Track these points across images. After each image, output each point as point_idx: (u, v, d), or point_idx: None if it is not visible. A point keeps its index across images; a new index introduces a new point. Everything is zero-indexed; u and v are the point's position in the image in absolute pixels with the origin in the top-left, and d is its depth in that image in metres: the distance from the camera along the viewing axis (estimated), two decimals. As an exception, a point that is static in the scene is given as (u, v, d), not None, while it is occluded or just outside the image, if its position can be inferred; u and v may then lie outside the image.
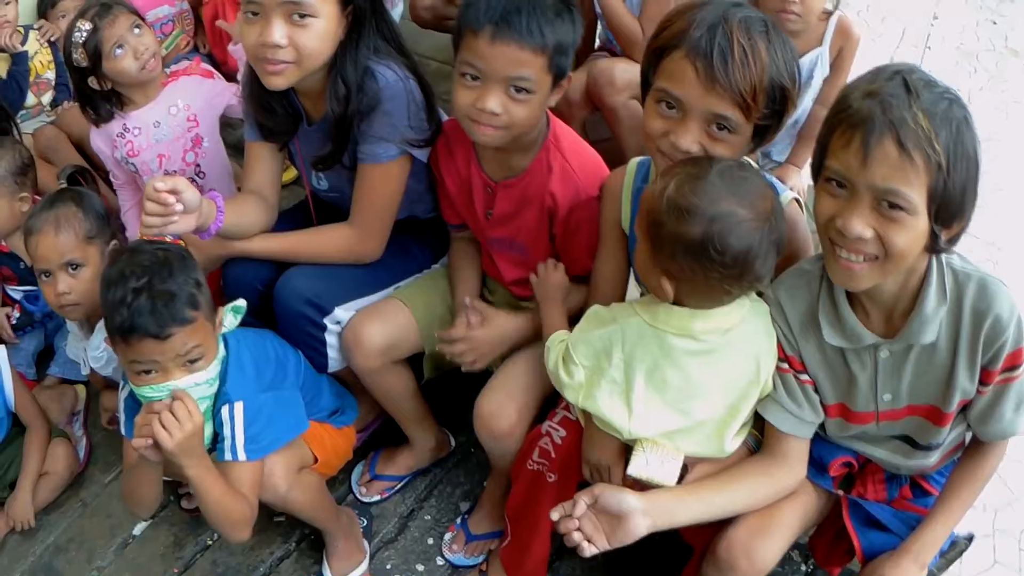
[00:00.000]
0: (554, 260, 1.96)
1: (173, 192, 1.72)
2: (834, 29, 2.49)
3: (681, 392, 1.65)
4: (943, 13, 4.77)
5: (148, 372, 1.76)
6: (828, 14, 2.49)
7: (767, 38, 1.59)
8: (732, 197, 1.53)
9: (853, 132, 1.41)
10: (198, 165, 2.65)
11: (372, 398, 2.26)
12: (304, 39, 1.85)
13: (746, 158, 1.75)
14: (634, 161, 1.89)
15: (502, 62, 1.75)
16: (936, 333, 1.55)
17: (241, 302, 1.92)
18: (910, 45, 4.32)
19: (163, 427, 1.72)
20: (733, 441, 1.70)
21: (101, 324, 2.24)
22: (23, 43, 3.36)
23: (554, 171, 1.94)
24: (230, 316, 1.90)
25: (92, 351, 2.30)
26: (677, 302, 1.62)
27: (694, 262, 1.54)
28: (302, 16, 1.84)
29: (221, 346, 1.88)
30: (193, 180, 2.63)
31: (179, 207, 1.73)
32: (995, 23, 4.73)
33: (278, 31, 1.83)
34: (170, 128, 2.61)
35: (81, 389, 2.70)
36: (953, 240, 1.49)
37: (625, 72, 2.51)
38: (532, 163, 1.95)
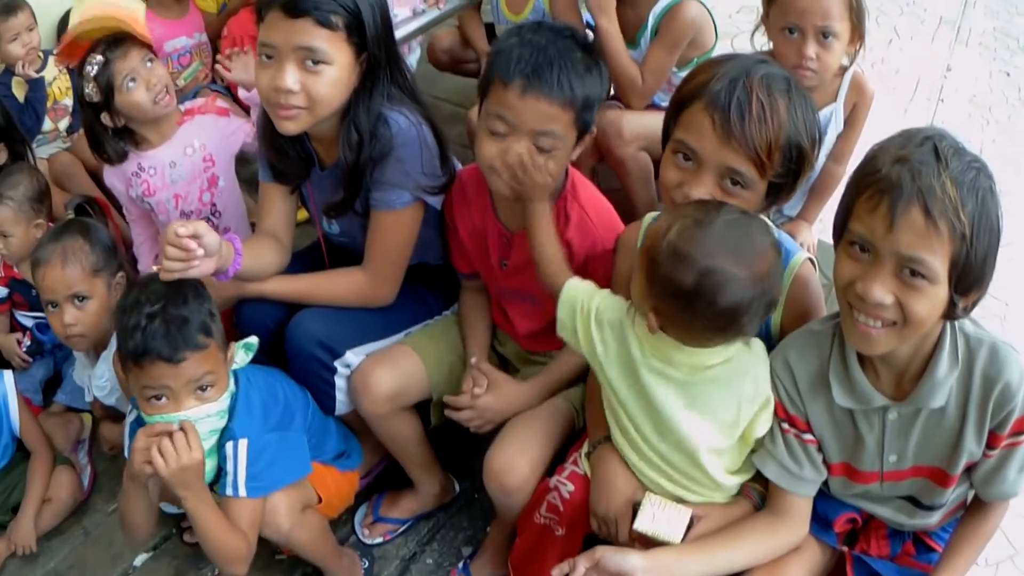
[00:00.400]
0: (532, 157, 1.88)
1: (194, 237, 1.75)
2: (848, 85, 2.50)
3: (658, 412, 1.69)
4: (957, 65, 4.83)
5: (159, 398, 1.79)
6: (843, 70, 2.50)
7: (788, 96, 1.61)
8: (730, 253, 1.53)
9: (881, 197, 1.42)
10: (214, 204, 2.68)
11: (377, 442, 2.28)
12: (317, 86, 1.88)
13: (766, 220, 1.75)
14: (649, 216, 1.91)
15: (531, 115, 1.79)
16: (946, 398, 1.57)
17: (253, 339, 1.96)
18: (923, 97, 4.36)
19: (160, 454, 1.75)
20: (722, 475, 1.72)
21: (106, 354, 2.30)
22: (42, 68, 3.39)
23: (572, 220, 1.97)
24: (241, 353, 1.94)
25: (96, 380, 2.34)
26: (665, 332, 1.64)
27: (680, 308, 1.56)
28: (316, 63, 1.87)
29: (231, 381, 1.91)
30: (209, 219, 2.67)
31: (200, 252, 1.76)
32: (1008, 75, 4.78)
33: (291, 76, 1.86)
34: (187, 168, 2.63)
35: (87, 417, 2.72)
36: (970, 307, 1.51)
37: (634, 123, 2.55)
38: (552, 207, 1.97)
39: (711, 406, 1.67)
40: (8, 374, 2.41)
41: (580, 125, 1.86)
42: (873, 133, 1.58)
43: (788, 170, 1.64)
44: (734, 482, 1.75)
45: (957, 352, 1.55)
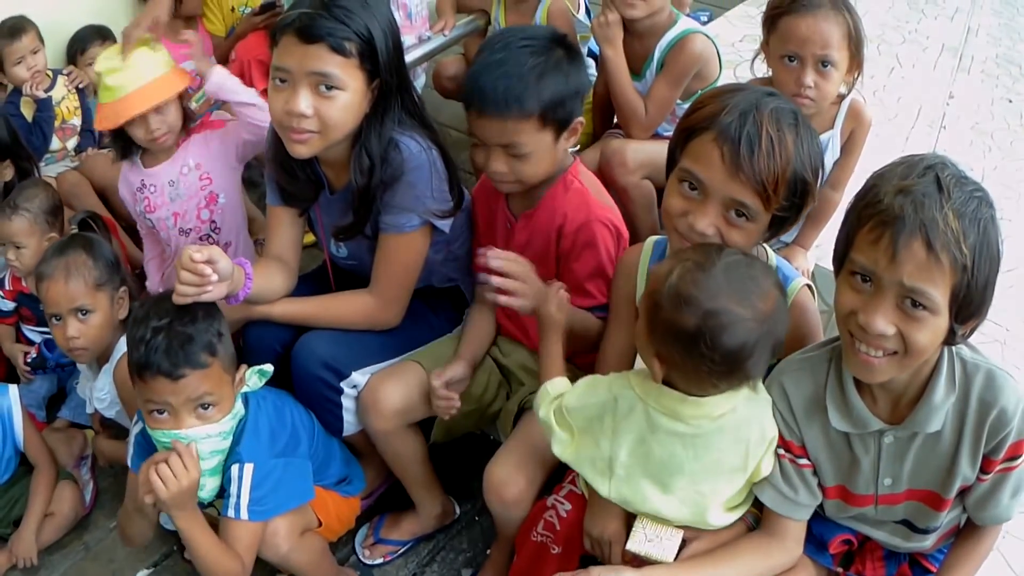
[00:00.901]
0: (559, 282, 1.96)
1: (209, 262, 1.79)
2: (846, 112, 2.54)
3: (664, 467, 1.67)
4: (959, 92, 4.88)
5: (161, 412, 1.83)
6: (841, 98, 2.54)
7: (796, 131, 1.63)
8: (732, 295, 1.54)
9: (883, 229, 1.43)
10: (213, 222, 2.71)
11: (379, 464, 2.32)
12: (329, 110, 1.92)
13: (764, 247, 1.81)
14: (650, 240, 1.95)
15: (492, 133, 1.95)
16: (942, 422, 1.59)
17: (268, 367, 1.99)
18: (925, 125, 4.40)
19: (159, 478, 1.79)
20: (720, 516, 1.72)
21: (107, 367, 2.33)
22: (51, 87, 3.44)
23: (569, 192, 2.06)
24: (255, 378, 1.97)
25: (97, 392, 2.38)
26: (668, 382, 1.64)
27: (684, 352, 1.56)
28: (329, 88, 1.91)
29: (240, 405, 1.94)
30: (209, 236, 2.71)
31: (214, 277, 1.80)
32: (1011, 101, 4.85)
33: (304, 101, 1.90)
34: (184, 187, 2.66)
35: (90, 434, 2.74)
36: (969, 334, 1.54)
37: (637, 152, 2.60)
38: (549, 190, 2.08)
39: (719, 455, 1.67)
40: (14, 388, 2.44)
41: (552, 124, 1.96)
42: (874, 161, 1.59)
43: (792, 203, 1.66)
44: (734, 518, 1.76)
45: (954, 377, 1.58)
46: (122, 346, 2.26)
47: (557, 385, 1.84)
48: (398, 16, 2.93)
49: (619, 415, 1.69)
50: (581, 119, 2.04)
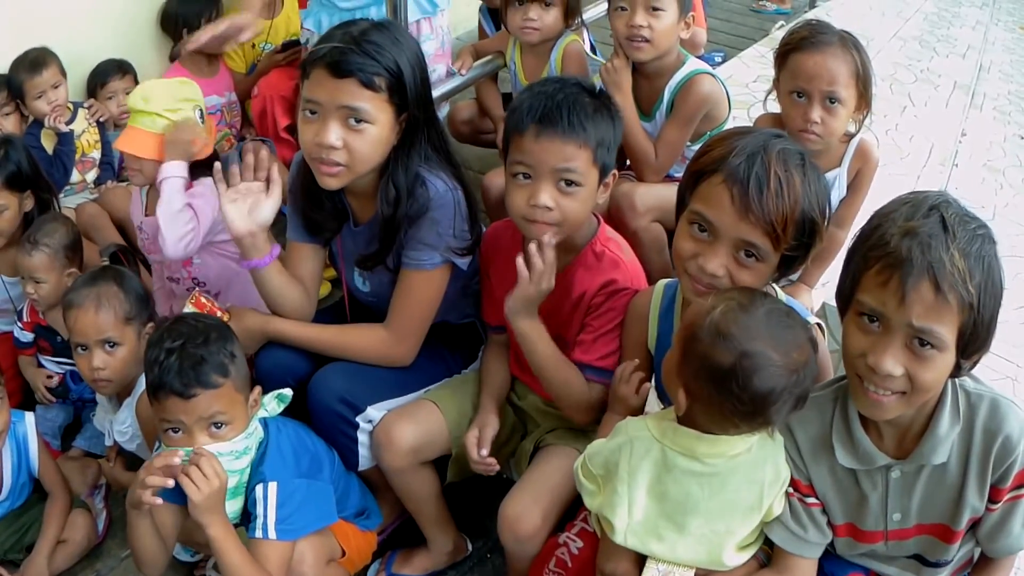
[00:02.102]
0: (632, 369, 1.96)
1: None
2: (854, 151, 2.57)
3: (679, 506, 1.68)
4: (972, 129, 4.89)
5: (176, 432, 1.88)
6: (850, 136, 2.57)
7: (803, 172, 1.66)
8: (770, 340, 1.56)
9: (891, 272, 1.46)
10: (195, 278, 2.77)
11: (393, 499, 2.33)
12: (358, 143, 1.97)
13: (773, 286, 1.83)
14: (660, 283, 1.98)
15: (549, 155, 1.91)
16: (948, 454, 1.61)
17: (288, 392, 2.04)
18: (937, 163, 4.41)
19: (192, 482, 1.82)
20: (733, 557, 1.73)
21: (129, 401, 2.36)
22: (72, 120, 3.49)
23: (603, 260, 2.07)
24: (274, 403, 2.03)
25: (118, 425, 2.40)
26: (688, 418, 1.66)
27: (713, 388, 1.57)
28: (358, 121, 1.96)
29: (260, 428, 1.99)
30: (191, 289, 2.70)
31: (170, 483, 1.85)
32: (1022, 138, 4.88)
33: (334, 133, 1.95)
34: None
35: (104, 463, 2.76)
36: (972, 367, 1.57)
37: (647, 196, 2.63)
38: (577, 257, 2.07)
39: (734, 495, 1.68)
40: (30, 415, 2.46)
41: (599, 164, 1.96)
42: (886, 201, 1.62)
43: (800, 243, 1.69)
44: (747, 557, 1.76)
45: (958, 409, 1.60)
46: (143, 382, 2.30)
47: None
48: (434, 44, 3.00)
49: (635, 457, 1.70)
50: (616, 172, 2.07)
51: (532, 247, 1.92)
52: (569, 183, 1.93)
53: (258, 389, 2.00)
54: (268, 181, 2.11)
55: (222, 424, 1.89)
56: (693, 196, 1.73)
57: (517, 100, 2.05)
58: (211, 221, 2.61)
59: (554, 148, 1.92)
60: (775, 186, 1.62)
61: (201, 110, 2.74)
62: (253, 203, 2.10)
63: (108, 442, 2.52)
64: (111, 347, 2.29)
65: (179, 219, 2.56)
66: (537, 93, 1.99)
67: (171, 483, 1.83)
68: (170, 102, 2.66)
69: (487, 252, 2.22)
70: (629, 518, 1.71)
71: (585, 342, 2.07)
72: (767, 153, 1.65)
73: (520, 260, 1.93)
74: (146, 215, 2.76)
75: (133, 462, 2.52)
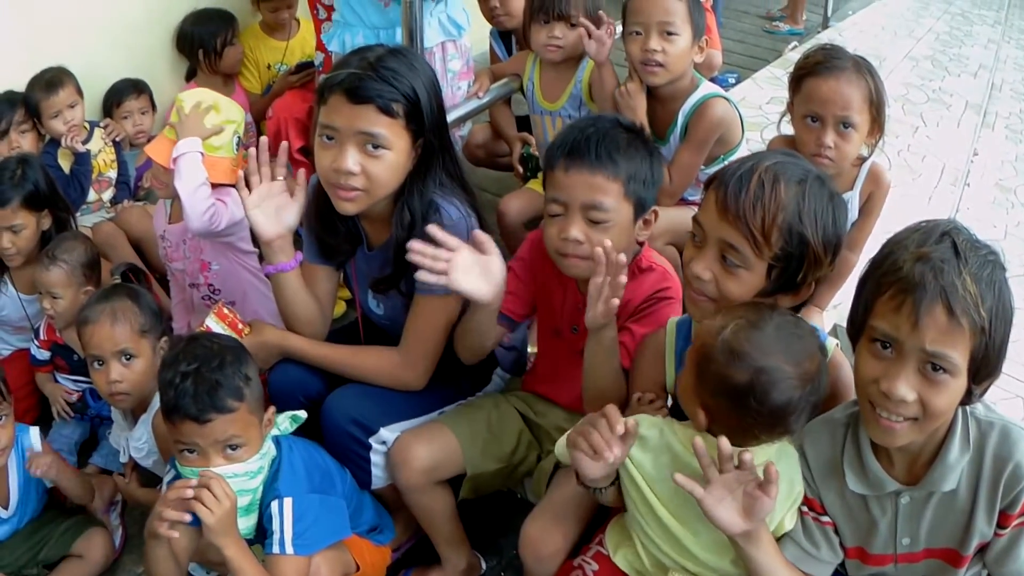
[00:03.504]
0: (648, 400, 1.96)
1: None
2: (866, 175, 2.61)
3: (695, 509, 1.69)
4: (983, 148, 4.95)
5: (191, 452, 1.91)
6: (862, 160, 2.61)
7: (800, 186, 1.68)
8: (783, 353, 1.60)
9: (904, 296, 1.48)
10: (211, 284, 2.81)
11: (408, 518, 2.36)
12: (376, 169, 2.00)
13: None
14: (672, 321, 2.00)
15: (578, 189, 1.94)
16: (957, 481, 1.63)
17: (302, 413, 2.08)
18: (949, 183, 4.44)
19: (204, 506, 1.85)
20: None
21: (145, 417, 2.38)
22: (88, 140, 3.52)
23: (652, 271, 2.10)
24: (288, 422, 2.06)
25: (134, 442, 2.42)
26: (708, 431, 1.69)
27: (732, 405, 1.61)
28: (376, 147, 1.99)
29: (272, 446, 2.02)
30: (209, 297, 2.82)
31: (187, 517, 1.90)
32: (1035, 156, 4.86)
33: (351, 159, 1.98)
34: (189, 249, 2.80)
35: (120, 479, 2.76)
36: (983, 392, 1.59)
37: (661, 219, 2.61)
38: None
39: None
40: (34, 429, 2.45)
41: (633, 199, 1.98)
42: (898, 222, 1.65)
43: (788, 255, 1.69)
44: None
45: (968, 436, 1.62)
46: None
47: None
48: (459, 63, 3.05)
49: (655, 451, 1.75)
50: (656, 209, 2.09)
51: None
52: (599, 218, 1.94)
53: (272, 409, 2.03)
54: (293, 184, 2.16)
55: (237, 446, 1.93)
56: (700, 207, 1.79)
57: (554, 139, 2.09)
58: (238, 217, 2.65)
59: (582, 180, 1.95)
60: (755, 189, 1.66)
61: (239, 136, 2.77)
62: (279, 206, 2.14)
63: (123, 458, 2.54)
64: (127, 360, 2.31)
65: (200, 193, 2.60)
66: (571, 128, 2.05)
67: (188, 518, 1.88)
68: (213, 118, 2.69)
69: (531, 251, 2.24)
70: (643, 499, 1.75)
71: (625, 344, 2.07)
72: (760, 163, 1.69)
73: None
74: (170, 223, 2.81)
75: (149, 479, 2.54)
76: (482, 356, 2.23)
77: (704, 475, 1.62)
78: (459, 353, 2.20)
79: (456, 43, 3.05)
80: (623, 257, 1.80)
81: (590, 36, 2.86)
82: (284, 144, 2.18)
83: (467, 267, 1.89)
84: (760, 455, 1.67)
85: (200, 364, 1.89)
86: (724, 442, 1.60)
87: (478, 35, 3.85)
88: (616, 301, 1.84)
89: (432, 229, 1.88)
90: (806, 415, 1.66)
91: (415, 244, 1.86)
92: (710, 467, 1.61)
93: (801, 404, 1.62)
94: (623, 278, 1.82)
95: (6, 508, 2.40)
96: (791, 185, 1.68)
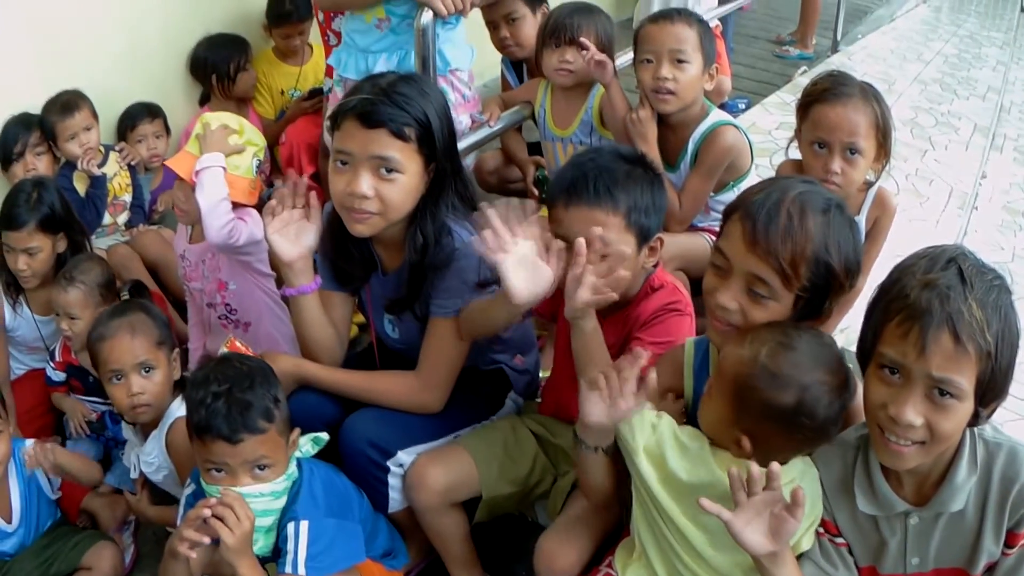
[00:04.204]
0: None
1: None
2: (872, 200, 2.64)
3: (718, 529, 1.71)
4: (991, 171, 4.97)
5: (219, 472, 1.95)
6: (868, 185, 2.64)
7: (824, 216, 1.70)
8: (821, 366, 1.65)
9: (912, 323, 1.51)
10: (228, 304, 2.85)
11: (421, 543, 2.38)
12: (389, 192, 2.04)
13: None
14: (689, 341, 2.03)
15: (578, 225, 1.96)
16: (965, 501, 1.67)
17: (324, 435, 2.12)
18: (957, 206, 4.46)
19: (226, 526, 1.88)
20: None
21: (156, 432, 2.41)
22: (103, 163, 3.56)
23: (663, 288, 2.14)
24: (309, 444, 2.10)
25: (145, 456, 2.44)
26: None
27: (782, 428, 1.66)
28: (389, 171, 2.03)
29: (294, 467, 2.06)
30: (226, 317, 2.86)
31: (206, 540, 1.92)
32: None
33: (365, 182, 2.02)
34: (208, 269, 2.83)
35: (131, 498, 2.77)
36: (990, 415, 1.63)
37: (671, 244, 2.64)
38: (634, 297, 2.15)
39: None
40: (30, 442, 2.46)
41: (636, 229, 2.02)
42: (906, 246, 1.70)
43: (815, 286, 1.71)
44: None
45: (976, 457, 1.66)
46: (174, 411, 2.37)
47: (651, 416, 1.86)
48: (453, 96, 3.10)
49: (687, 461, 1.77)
50: (661, 236, 2.13)
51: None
52: (602, 256, 1.92)
53: (297, 431, 2.07)
54: (308, 208, 2.21)
55: (265, 467, 1.96)
56: (720, 235, 1.81)
57: (555, 174, 2.14)
58: (257, 236, 2.69)
59: (581, 216, 1.99)
60: (784, 222, 1.67)
61: (259, 160, 2.81)
62: (298, 229, 2.20)
63: (134, 474, 2.56)
64: (148, 372, 2.34)
65: (221, 207, 2.64)
66: (571, 164, 2.11)
67: (207, 540, 1.91)
68: (236, 138, 2.73)
69: None
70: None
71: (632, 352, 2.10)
72: (786, 193, 1.71)
73: None
74: (190, 242, 2.86)
75: (160, 498, 2.57)
76: (478, 338, 2.24)
77: (733, 498, 1.65)
78: (460, 326, 2.21)
79: (446, 77, 3.09)
80: (604, 243, 1.86)
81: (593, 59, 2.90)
82: (303, 179, 2.24)
83: (522, 260, 1.88)
84: (786, 475, 1.68)
85: (232, 384, 1.93)
86: (754, 467, 1.63)
87: (489, 61, 3.90)
88: (613, 295, 1.88)
89: (507, 215, 1.89)
90: (841, 422, 1.71)
91: (491, 211, 1.88)
92: (740, 491, 1.64)
93: (840, 412, 1.68)
94: (624, 273, 1.88)
95: (9, 522, 2.43)
96: (816, 215, 1.70)
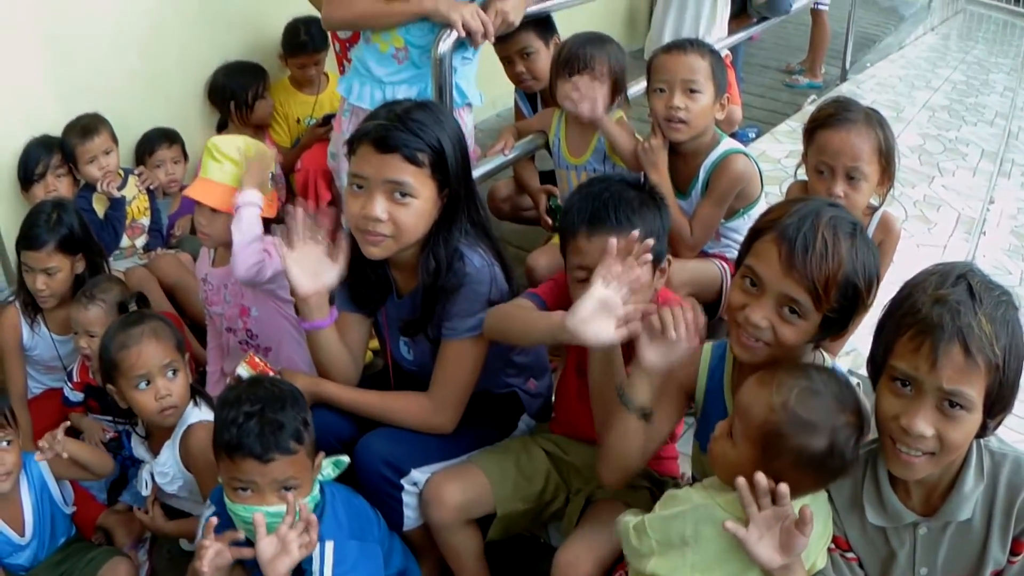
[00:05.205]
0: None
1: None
2: (877, 224, 2.69)
3: (742, 564, 1.75)
4: (999, 196, 5.01)
5: (245, 490, 1.97)
6: (873, 209, 2.69)
7: (852, 239, 1.77)
8: (845, 407, 1.70)
9: (923, 338, 1.57)
10: (249, 330, 2.90)
11: (434, 563, 2.42)
12: (403, 216, 2.10)
13: (822, 353, 1.95)
14: (708, 344, 2.09)
15: (601, 254, 1.97)
16: (972, 510, 1.74)
17: (344, 458, 2.16)
18: (965, 231, 4.51)
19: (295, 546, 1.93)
20: None
21: (169, 442, 2.45)
22: (122, 186, 3.60)
23: (669, 303, 2.16)
24: (330, 467, 2.14)
25: (159, 467, 2.47)
26: None
27: (815, 470, 1.70)
28: (403, 195, 2.09)
29: (317, 490, 2.10)
30: (247, 341, 2.91)
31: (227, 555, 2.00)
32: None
33: (379, 206, 2.08)
34: (231, 294, 2.88)
35: (142, 514, 2.78)
36: (997, 426, 1.69)
37: (681, 271, 2.70)
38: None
39: None
40: (42, 464, 2.49)
41: (653, 255, 2.06)
42: (914, 271, 1.73)
43: (842, 306, 1.77)
44: None
45: (983, 467, 1.73)
46: (187, 418, 2.42)
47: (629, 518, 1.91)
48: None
49: (700, 523, 1.78)
50: (670, 258, 2.20)
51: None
52: None
53: (322, 454, 2.11)
54: (332, 246, 2.24)
55: (292, 487, 1.99)
56: (749, 253, 1.85)
57: (567, 204, 2.22)
58: (282, 267, 2.71)
59: (604, 245, 1.98)
60: (820, 247, 1.73)
61: (273, 175, 2.87)
62: (317, 265, 2.23)
63: (144, 491, 2.58)
64: (173, 374, 2.39)
65: (253, 247, 2.69)
66: (585, 195, 2.18)
67: (229, 557, 1.97)
68: (247, 155, 2.78)
69: (558, 291, 2.30)
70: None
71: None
72: (818, 218, 1.76)
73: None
74: (213, 266, 2.91)
75: (172, 516, 2.60)
76: (499, 341, 2.26)
77: (745, 511, 1.70)
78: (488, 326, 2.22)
79: (459, 111, 3.08)
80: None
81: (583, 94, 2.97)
82: (330, 209, 2.30)
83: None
84: (799, 503, 1.72)
85: (264, 405, 1.97)
86: (760, 477, 1.68)
87: (503, 90, 3.95)
88: (638, 327, 1.88)
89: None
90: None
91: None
92: (751, 505, 1.69)
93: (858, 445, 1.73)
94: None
95: (22, 535, 2.47)
96: (846, 239, 1.76)
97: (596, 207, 2.11)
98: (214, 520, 2.00)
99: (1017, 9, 11.32)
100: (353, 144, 2.15)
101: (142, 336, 2.37)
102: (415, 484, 2.27)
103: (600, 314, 1.85)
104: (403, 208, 2.10)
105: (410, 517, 2.31)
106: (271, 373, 2.33)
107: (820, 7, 6.56)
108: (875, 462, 1.79)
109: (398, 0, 2.87)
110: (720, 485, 1.81)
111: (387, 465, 2.25)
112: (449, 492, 2.23)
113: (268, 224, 2.74)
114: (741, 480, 1.70)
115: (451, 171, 2.15)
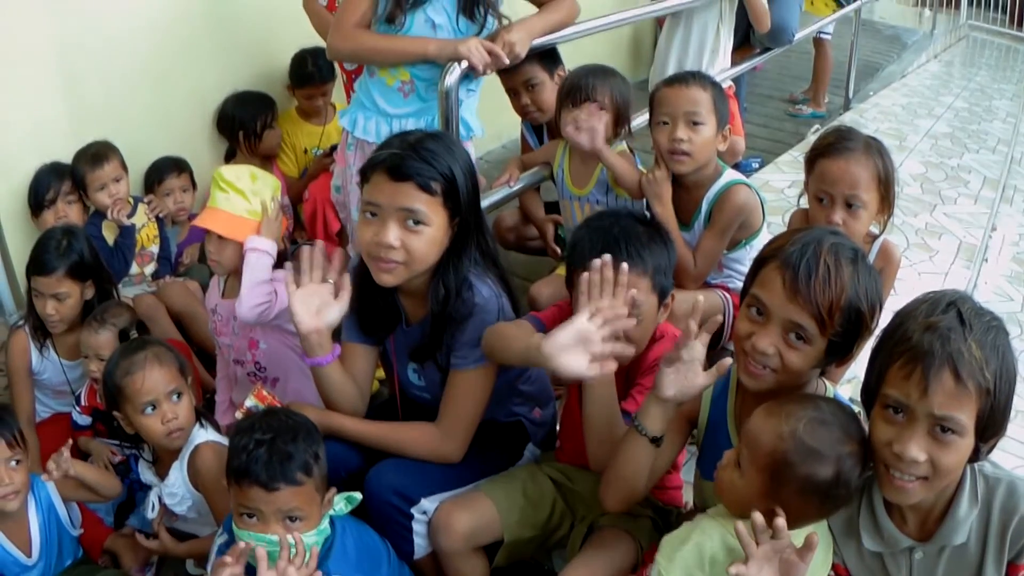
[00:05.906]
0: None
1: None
2: (877, 252, 2.72)
3: None
4: (1001, 223, 5.04)
5: (251, 517, 2.00)
6: (873, 237, 2.73)
7: (854, 266, 1.81)
8: (850, 435, 1.73)
9: (915, 365, 1.60)
10: (258, 362, 2.93)
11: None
12: (415, 243, 2.13)
13: (824, 381, 1.99)
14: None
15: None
16: (967, 534, 1.75)
17: (357, 495, 2.18)
18: (965, 260, 4.53)
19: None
20: None
21: (177, 463, 2.47)
22: (132, 214, 3.62)
23: (664, 336, 2.26)
24: (343, 503, 2.16)
25: (168, 488, 2.49)
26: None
27: (821, 499, 1.73)
28: (416, 223, 2.12)
29: (326, 524, 2.12)
30: (255, 373, 2.93)
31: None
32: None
33: (392, 233, 2.11)
34: (238, 326, 2.90)
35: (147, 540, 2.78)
36: (990, 450, 1.73)
37: (683, 302, 2.68)
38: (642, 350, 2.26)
39: None
40: (49, 484, 2.49)
41: (658, 290, 2.16)
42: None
43: (847, 331, 1.81)
44: None
45: (977, 492, 1.76)
46: (194, 439, 2.44)
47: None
48: None
49: (712, 550, 1.80)
50: (674, 293, 2.25)
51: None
52: (633, 312, 2.01)
53: (333, 490, 2.13)
54: (338, 286, 2.29)
55: (297, 519, 2.01)
56: (753, 282, 1.90)
57: (576, 237, 2.26)
58: (286, 305, 2.76)
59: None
60: (823, 273, 1.77)
61: (276, 199, 2.90)
62: (321, 304, 2.27)
63: (151, 515, 2.58)
64: (178, 398, 2.42)
65: (260, 289, 2.74)
66: (595, 229, 2.23)
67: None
68: (252, 184, 2.83)
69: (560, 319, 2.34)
70: None
71: (634, 396, 2.21)
72: (820, 245, 1.80)
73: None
74: (223, 297, 2.95)
75: (177, 539, 2.60)
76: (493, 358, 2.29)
77: (745, 552, 1.72)
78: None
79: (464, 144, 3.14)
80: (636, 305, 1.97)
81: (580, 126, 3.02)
82: (339, 251, 2.34)
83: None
84: (803, 534, 1.73)
85: (275, 435, 2.00)
86: (757, 516, 1.71)
87: (508, 121, 3.99)
88: (630, 351, 1.95)
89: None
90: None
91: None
92: (750, 544, 1.72)
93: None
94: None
95: (29, 555, 2.47)
96: (848, 265, 1.80)
97: (607, 241, 2.14)
98: (242, 545, 2.00)
99: (1020, 34, 11.40)
100: (366, 172, 2.18)
101: (147, 362, 2.40)
102: (424, 513, 2.30)
103: (577, 346, 1.87)
104: (416, 236, 2.13)
105: (420, 545, 2.33)
106: (279, 406, 2.36)
107: (823, 37, 6.64)
108: (870, 489, 1.82)
109: (403, 39, 2.91)
110: (726, 513, 1.84)
111: (397, 495, 2.27)
112: (458, 520, 2.26)
113: (278, 258, 2.80)
114: (740, 524, 1.72)
115: (462, 200, 2.18)
